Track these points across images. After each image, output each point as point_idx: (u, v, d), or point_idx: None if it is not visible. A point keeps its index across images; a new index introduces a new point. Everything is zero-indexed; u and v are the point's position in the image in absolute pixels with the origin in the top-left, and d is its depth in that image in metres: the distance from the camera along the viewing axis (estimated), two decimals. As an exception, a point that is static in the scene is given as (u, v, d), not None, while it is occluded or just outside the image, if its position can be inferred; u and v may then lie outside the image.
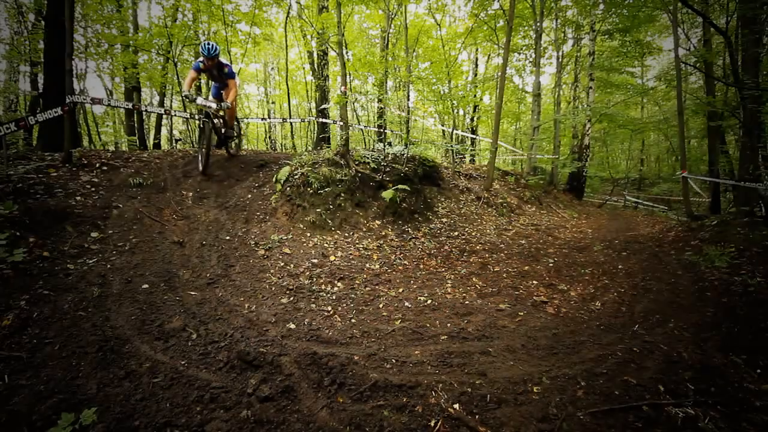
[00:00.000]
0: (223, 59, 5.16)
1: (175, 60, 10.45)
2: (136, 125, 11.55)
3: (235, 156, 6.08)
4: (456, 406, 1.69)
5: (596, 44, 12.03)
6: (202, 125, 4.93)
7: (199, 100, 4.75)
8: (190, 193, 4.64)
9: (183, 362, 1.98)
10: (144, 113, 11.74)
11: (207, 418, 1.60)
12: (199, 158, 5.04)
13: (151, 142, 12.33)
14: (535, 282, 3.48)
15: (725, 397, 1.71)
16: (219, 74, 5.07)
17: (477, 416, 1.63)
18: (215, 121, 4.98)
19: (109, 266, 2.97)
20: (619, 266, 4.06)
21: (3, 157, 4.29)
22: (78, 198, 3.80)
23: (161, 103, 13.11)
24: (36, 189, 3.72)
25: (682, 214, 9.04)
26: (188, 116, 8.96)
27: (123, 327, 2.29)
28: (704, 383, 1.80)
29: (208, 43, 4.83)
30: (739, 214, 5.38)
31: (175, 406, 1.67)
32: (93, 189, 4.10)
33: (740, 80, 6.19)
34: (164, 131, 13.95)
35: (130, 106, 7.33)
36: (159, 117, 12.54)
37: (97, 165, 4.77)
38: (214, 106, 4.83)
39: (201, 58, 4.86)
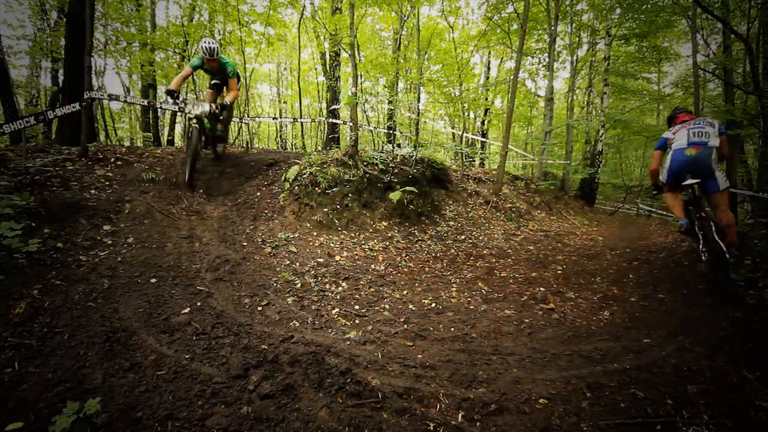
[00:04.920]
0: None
1: (191, 58, 10.62)
2: (151, 122, 11.78)
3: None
4: (457, 412, 1.67)
5: (612, 49, 11.83)
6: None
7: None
8: (201, 190, 4.71)
9: (187, 356, 2.01)
10: (159, 110, 11.96)
11: (208, 413, 1.61)
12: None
13: (165, 138, 12.55)
14: (542, 289, 3.42)
15: (736, 413, 1.66)
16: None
17: (478, 423, 1.61)
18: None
19: (119, 259, 3.03)
20: (630, 275, 3.97)
21: (22, 149, 4.42)
22: (92, 191, 3.89)
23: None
24: (52, 181, 3.82)
25: (696, 224, 8.80)
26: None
27: (130, 319, 2.33)
28: (714, 398, 1.74)
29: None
30: (757, 226, 5.22)
31: (178, 399, 1.69)
32: (107, 183, 4.19)
33: (761, 88, 6.02)
34: (178, 128, 14.16)
35: (146, 103, 7.48)
36: (173, 114, 12.75)
37: (112, 160, 4.88)
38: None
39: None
